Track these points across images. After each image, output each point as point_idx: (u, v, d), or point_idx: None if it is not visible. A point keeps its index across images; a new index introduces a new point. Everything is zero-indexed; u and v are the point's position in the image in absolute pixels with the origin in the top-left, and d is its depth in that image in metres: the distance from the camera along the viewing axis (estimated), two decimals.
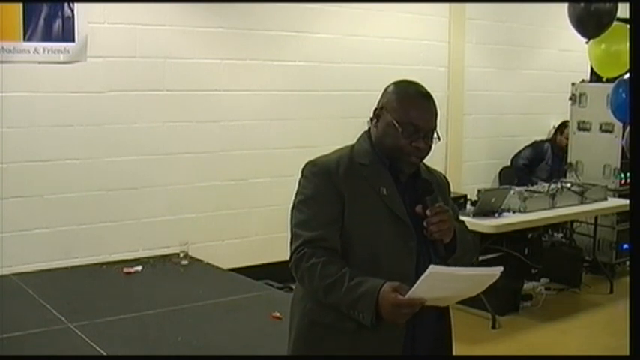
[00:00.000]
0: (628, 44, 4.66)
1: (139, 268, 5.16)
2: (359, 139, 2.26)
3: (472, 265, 2.39)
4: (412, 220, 2.13)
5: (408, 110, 2.13)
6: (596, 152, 6.87)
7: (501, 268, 1.97)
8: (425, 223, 2.10)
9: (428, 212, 2.10)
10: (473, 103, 7.43)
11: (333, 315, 2.09)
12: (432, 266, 1.87)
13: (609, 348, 4.85)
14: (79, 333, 3.86)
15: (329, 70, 6.34)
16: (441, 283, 1.91)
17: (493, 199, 5.53)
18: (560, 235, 6.60)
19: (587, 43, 5.32)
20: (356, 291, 1.99)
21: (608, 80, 5.82)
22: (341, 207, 2.11)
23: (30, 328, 3.92)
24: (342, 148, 2.25)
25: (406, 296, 1.92)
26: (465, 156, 7.45)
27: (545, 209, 5.84)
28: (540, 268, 6.01)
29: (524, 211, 5.67)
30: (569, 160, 7.10)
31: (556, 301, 5.99)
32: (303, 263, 2.08)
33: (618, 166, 6.77)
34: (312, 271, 2.06)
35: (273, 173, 6.02)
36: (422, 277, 1.88)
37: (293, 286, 2.30)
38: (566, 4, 5.25)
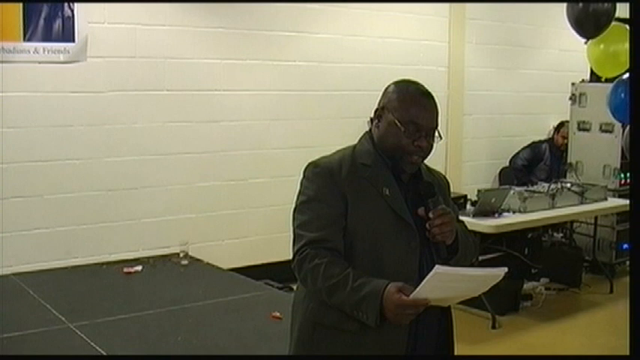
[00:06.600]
0: (627, 44, 4.67)
1: (139, 268, 5.15)
2: (360, 139, 2.25)
3: (472, 265, 2.39)
4: (414, 220, 2.13)
5: (410, 109, 2.13)
6: (596, 152, 6.87)
7: (506, 269, 1.98)
8: (427, 225, 2.10)
9: (430, 214, 2.10)
10: (473, 103, 7.43)
11: (335, 316, 2.09)
12: (437, 266, 1.87)
13: (609, 348, 4.86)
14: (79, 333, 3.85)
15: (329, 70, 6.34)
16: (446, 283, 1.91)
17: (493, 199, 5.54)
18: (560, 235, 6.60)
19: (585, 43, 5.32)
20: (360, 292, 1.99)
21: (608, 80, 5.82)
22: (343, 208, 2.11)
23: (30, 328, 3.91)
24: (343, 149, 2.24)
25: (410, 297, 1.92)
26: (465, 156, 7.45)
27: (545, 209, 5.84)
28: (540, 268, 6.02)
29: (524, 211, 5.67)
30: (569, 160, 7.10)
31: (556, 301, 5.99)
32: (306, 264, 2.08)
33: (618, 166, 6.77)
34: (315, 272, 2.06)
35: (273, 173, 6.02)
36: (427, 277, 1.87)
37: (293, 286, 2.30)
38: (565, 4, 5.25)
